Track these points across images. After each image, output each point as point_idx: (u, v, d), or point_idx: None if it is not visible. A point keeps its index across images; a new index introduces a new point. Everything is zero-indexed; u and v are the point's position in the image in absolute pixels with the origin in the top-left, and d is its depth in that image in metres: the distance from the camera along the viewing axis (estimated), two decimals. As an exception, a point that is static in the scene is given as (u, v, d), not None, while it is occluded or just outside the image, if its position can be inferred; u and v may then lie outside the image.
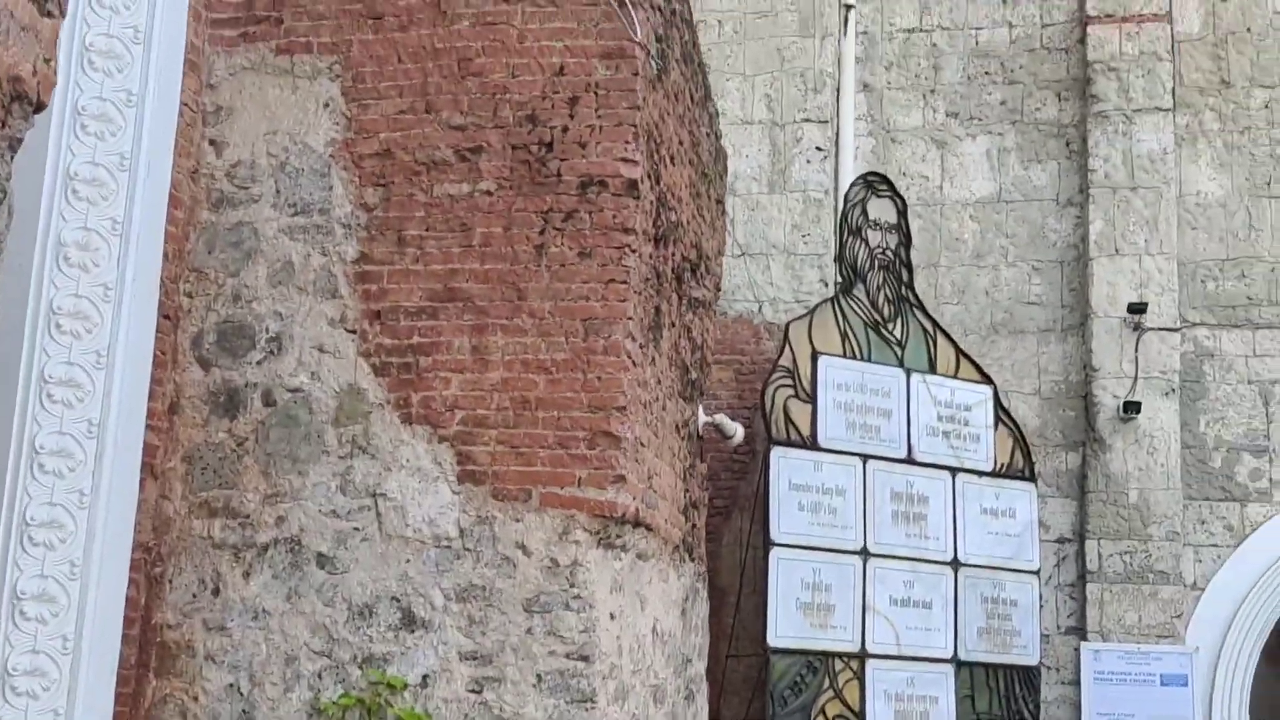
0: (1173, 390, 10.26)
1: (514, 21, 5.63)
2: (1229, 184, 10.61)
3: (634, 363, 5.48)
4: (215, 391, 5.57)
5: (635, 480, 5.47)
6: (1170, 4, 10.78)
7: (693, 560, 6.76)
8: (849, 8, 11.32)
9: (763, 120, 11.10)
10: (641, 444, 5.60)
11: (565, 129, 5.53)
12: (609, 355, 5.36)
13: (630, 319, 5.41)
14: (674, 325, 6.26)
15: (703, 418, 6.94)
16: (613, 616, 5.36)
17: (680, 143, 6.36)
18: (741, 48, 11.18)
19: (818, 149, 11.01)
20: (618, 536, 5.40)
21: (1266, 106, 10.63)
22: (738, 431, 7.77)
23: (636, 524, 5.51)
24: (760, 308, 10.83)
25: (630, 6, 5.58)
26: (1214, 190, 10.62)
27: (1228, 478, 10.24)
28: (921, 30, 11.35)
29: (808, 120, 11.05)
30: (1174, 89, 10.68)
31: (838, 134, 11.17)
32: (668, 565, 6.19)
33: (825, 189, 11.00)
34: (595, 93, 5.54)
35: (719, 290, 7.31)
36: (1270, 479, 10.19)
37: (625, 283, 5.41)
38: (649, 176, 5.67)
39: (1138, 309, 10.30)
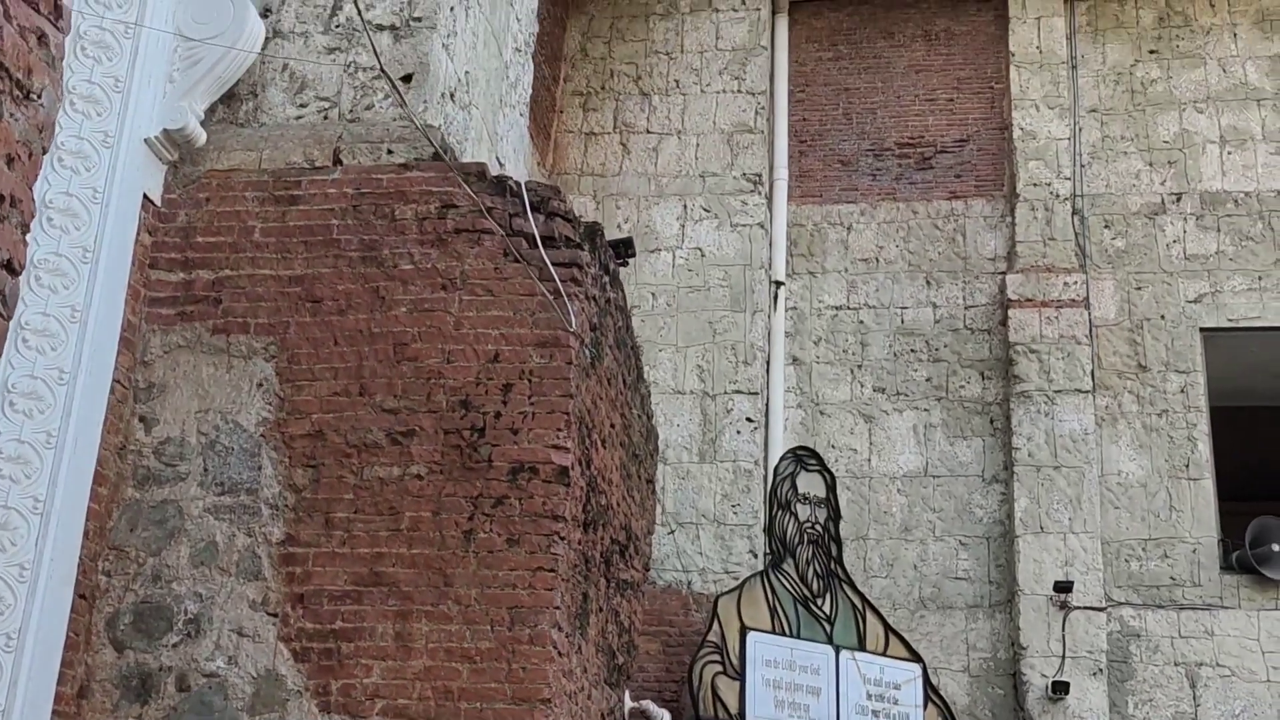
0: (1100, 670, 10.24)
1: (451, 309, 5.73)
2: (1149, 465, 10.83)
3: (560, 653, 5.40)
4: (127, 675, 5.40)
5: (558, 776, 5.32)
6: (1087, 291, 11.20)
7: None
8: (779, 285, 11.66)
9: (694, 390, 11.26)
10: (565, 737, 5.47)
11: (498, 415, 5.57)
12: (534, 645, 5.28)
13: (557, 608, 5.36)
14: (601, 610, 6.20)
15: (629, 703, 6.81)
16: None
17: (612, 425, 6.42)
18: (675, 320, 11.42)
19: (748, 420, 11.15)
20: (538, 835, 5.22)
21: (1182, 391, 10.95)
22: (663, 717, 7.63)
23: (558, 821, 5.33)
24: (689, 578, 10.77)
25: (566, 297, 5.70)
26: (1135, 471, 10.83)
27: (1158, 762, 10.14)
28: (849, 308, 11.67)
29: (738, 392, 11.22)
30: (1093, 371, 11.00)
31: (768, 406, 11.35)
32: None
33: (755, 459, 11.09)
34: (529, 380, 5.61)
35: (648, 570, 7.28)
36: (1200, 764, 10.10)
37: (553, 571, 5.38)
38: (580, 462, 5.70)
39: (1064, 587, 10.35)
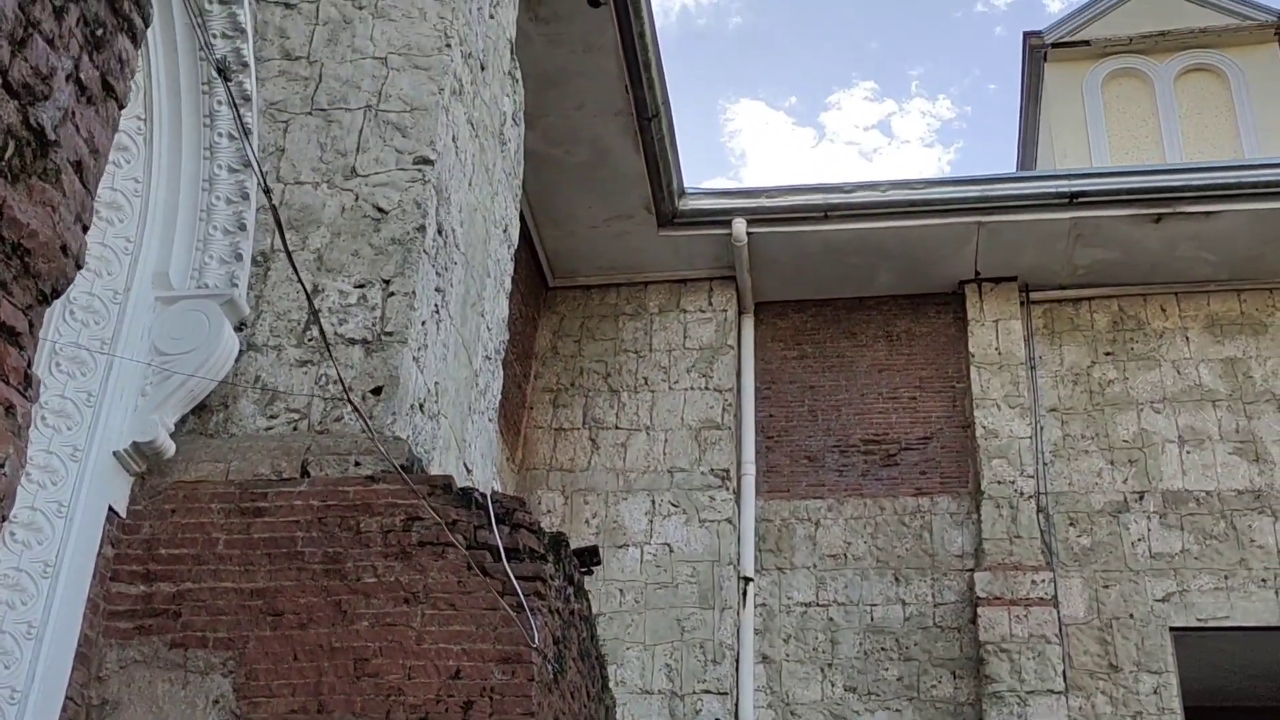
0: None
1: (413, 623, 5.68)
2: (1126, 769, 10.62)
3: None
4: None
5: None
6: (1055, 589, 11.20)
7: None
8: (748, 581, 11.62)
9: (662, 690, 11.07)
10: None
11: (458, 734, 5.47)
12: None
13: None
14: None
15: None
16: None
17: (575, 741, 6.29)
18: (642, 617, 11.33)
19: (717, 721, 10.94)
20: None
21: (1155, 692, 10.83)
22: None
23: None
24: None
25: (529, 612, 5.68)
26: (1112, 775, 10.61)
27: None
28: (819, 604, 11.62)
29: (707, 691, 11.04)
30: (1065, 671, 10.89)
31: (737, 705, 11.16)
32: None
33: (725, 763, 10.84)
34: (490, 697, 5.53)
35: None
36: None
37: None
38: (541, 784, 5.56)
39: None
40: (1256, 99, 14.90)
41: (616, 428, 12.19)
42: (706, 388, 12.27)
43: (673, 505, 11.75)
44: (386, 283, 6.62)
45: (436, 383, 6.87)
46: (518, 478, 11.89)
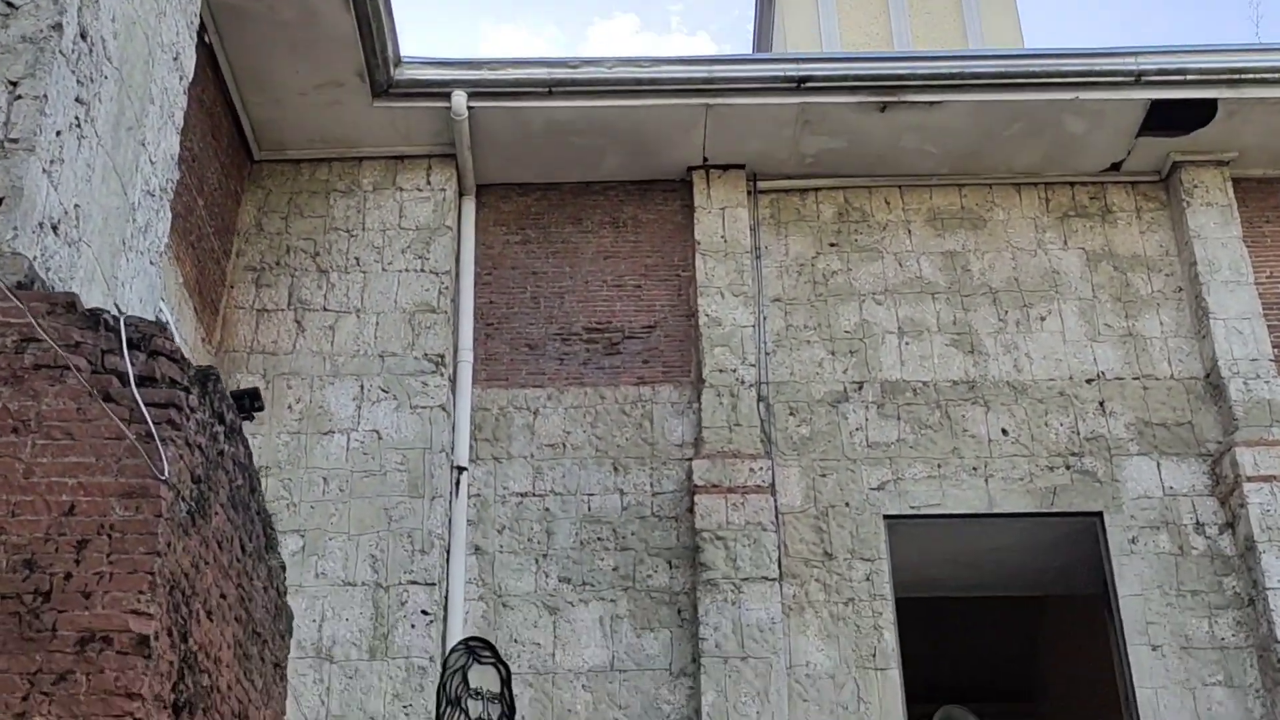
0: None
1: (21, 454, 4.97)
2: (836, 655, 10.55)
3: None
4: None
5: None
6: (773, 477, 11.03)
7: None
8: (461, 470, 11.10)
9: (366, 582, 10.47)
10: None
11: (68, 576, 4.80)
12: None
13: (125, 803, 4.53)
14: (198, 810, 5.35)
15: None
16: None
17: (223, 596, 5.68)
18: (347, 506, 10.69)
19: (424, 613, 10.41)
20: None
21: (868, 579, 10.78)
22: None
23: None
24: (352, 787, 9.82)
25: (160, 442, 5.03)
26: (822, 661, 10.53)
27: None
28: (534, 495, 11.19)
29: (414, 582, 10.50)
30: (780, 559, 10.74)
31: (447, 598, 10.66)
32: None
33: (430, 655, 10.33)
34: (109, 535, 4.87)
35: (274, 768, 6.44)
36: None
37: (124, 759, 4.57)
38: (169, 632, 4.94)
39: (752, 786, 9.86)
40: (984, -4, 15.00)
41: (325, 309, 11.47)
42: (423, 270, 11.64)
43: (383, 391, 11.13)
44: (14, 85, 5.81)
45: (77, 205, 6.09)
46: (215, 359, 11.07)
